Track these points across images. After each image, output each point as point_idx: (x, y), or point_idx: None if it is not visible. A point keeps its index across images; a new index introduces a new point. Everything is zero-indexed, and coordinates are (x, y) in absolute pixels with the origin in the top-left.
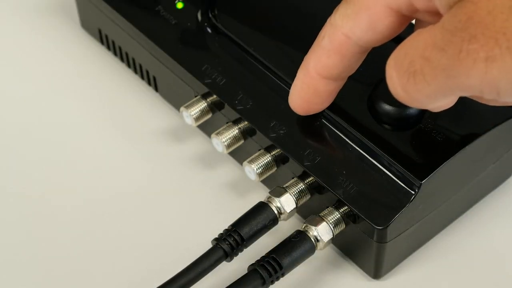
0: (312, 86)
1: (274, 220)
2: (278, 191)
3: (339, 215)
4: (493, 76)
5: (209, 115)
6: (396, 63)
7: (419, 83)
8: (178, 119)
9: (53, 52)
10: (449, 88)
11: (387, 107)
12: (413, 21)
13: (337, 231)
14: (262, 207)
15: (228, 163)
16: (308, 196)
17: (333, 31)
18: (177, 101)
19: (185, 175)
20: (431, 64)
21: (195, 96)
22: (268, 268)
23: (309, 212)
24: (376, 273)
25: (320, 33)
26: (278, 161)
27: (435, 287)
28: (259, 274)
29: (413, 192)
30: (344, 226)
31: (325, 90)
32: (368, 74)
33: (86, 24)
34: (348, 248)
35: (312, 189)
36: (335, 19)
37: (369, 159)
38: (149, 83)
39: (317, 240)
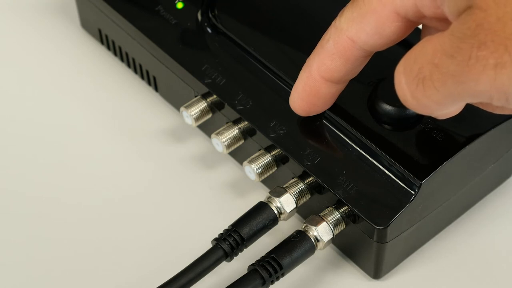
0: (314, 88)
1: (274, 220)
2: (278, 191)
3: (339, 215)
4: (502, 82)
5: (209, 115)
6: (405, 69)
7: (428, 90)
8: (178, 119)
9: (53, 52)
10: (458, 94)
11: (387, 107)
12: (420, 26)
13: (337, 231)
14: (262, 207)
15: (228, 163)
16: (308, 196)
17: (338, 34)
18: (177, 101)
19: (185, 175)
20: (441, 70)
21: (195, 96)
22: (268, 268)
23: (309, 212)
24: (376, 273)
25: (324, 35)
26: (278, 161)
27: (435, 287)
28: (259, 274)
29: (413, 192)
30: (344, 226)
31: (327, 92)
32: (368, 74)
33: (86, 24)
34: (348, 248)
35: (312, 189)
36: (340, 22)
37: (369, 159)
38: (149, 83)
39: (317, 240)
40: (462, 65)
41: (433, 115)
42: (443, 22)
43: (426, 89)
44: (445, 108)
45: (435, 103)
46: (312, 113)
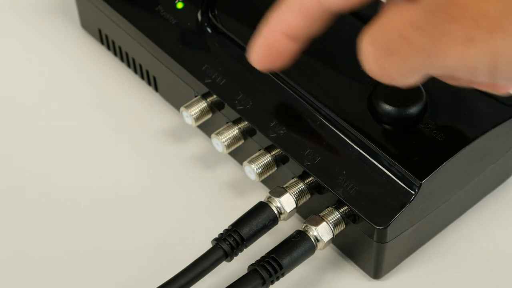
0: (274, 43)
1: (274, 220)
2: (278, 191)
3: (339, 215)
4: (470, 58)
5: (209, 115)
6: (373, 39)
7: (396, 61)
8: (178, 119)
9: (53, 52)
10: (425, 67)
11: (387, 107)
12: None
13: (337, 231)
14: (262, 207)
15: (228, 163)
16: (308, 196)
17: None
18: (177, 101)
19: (185, 175)
20: (410, 42)
21: (195, 96)
22: (268, 268)
23: (309, 212)
24: (376, 273)
25: None
26: (278, 161)
27: (435, 287)
28: (259, 274)
29: (413, 192)
30: (344, 226)
31: (287, 49)
32: (368, 74)
33: (86, 24)
34: (348, 248)
35: (312, 189)
36: None
37: (369, 159)
38: (149, 83)
39: (317, 240)
40: (432, 38)
41: (394, 84)
42: None
43: (393, 60)
44: (410, 78)
45: (400, 73)
46: (271, 69)
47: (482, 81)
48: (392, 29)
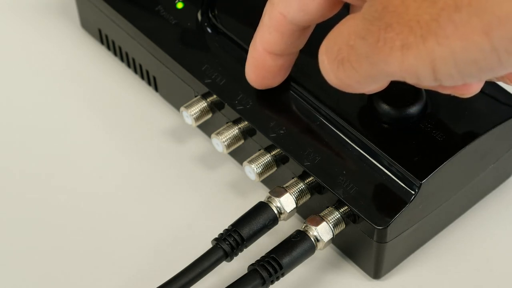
0: (260, 61)
1: (274, 220)
2: (278, 191)
3: (339, 215)
4: (410, 63)
5: (209, 115)
6: (327, 50)
7: (348, 70)
8: (178, 119)
9: (53, 52)
10: (375, 75)
11: (387, 107)
12: None
13: (337, 231)
14: (262, 207)
15: (228, 163)
16: (308, 196)
17: (271, 9)
18: (177, 101)
19: (185, 175)
20: (356, 52)
21: (195, 96)
22: (268, 268)
23: (309, 212)
24: (376, 273)
25: (264, 9)
26: (278, 161)
27: (435, 287)
28: (259, 274)
29: (413, 192)
30: (344, 226)
31: (274, 65)
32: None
33: (86, 24)
34: (348, 248)
35: (312, 189)
36: None
37: (369, 159)
38: (149, 83)
39: (317, 240)
40: (373, 47)
41: (356, 92)
42: (364, 2)
43: (345, 69)
44: (368, 86)
45: (356, 82)
46: (266, 85)
47: (429, 85)
48: (341, 38)
